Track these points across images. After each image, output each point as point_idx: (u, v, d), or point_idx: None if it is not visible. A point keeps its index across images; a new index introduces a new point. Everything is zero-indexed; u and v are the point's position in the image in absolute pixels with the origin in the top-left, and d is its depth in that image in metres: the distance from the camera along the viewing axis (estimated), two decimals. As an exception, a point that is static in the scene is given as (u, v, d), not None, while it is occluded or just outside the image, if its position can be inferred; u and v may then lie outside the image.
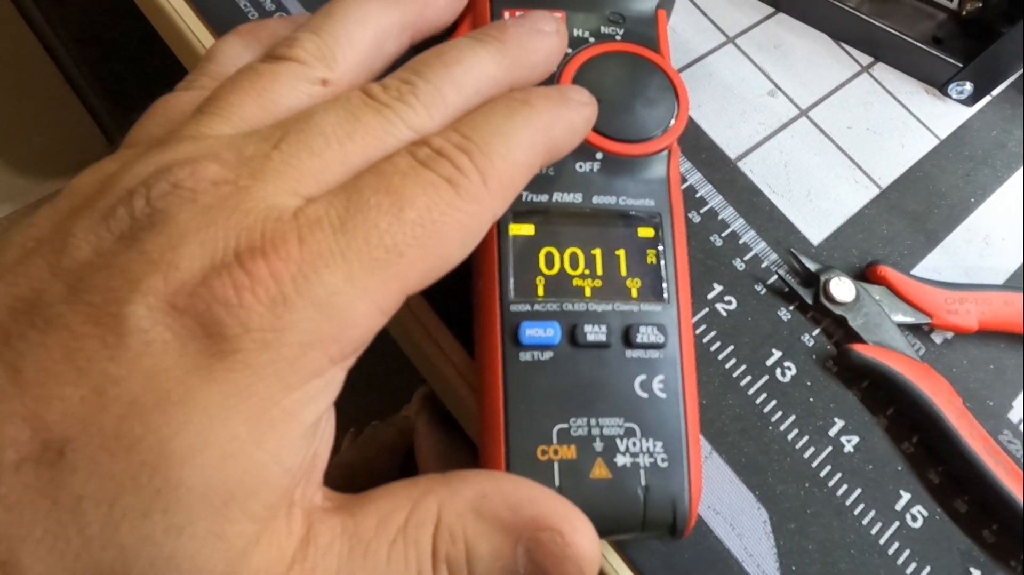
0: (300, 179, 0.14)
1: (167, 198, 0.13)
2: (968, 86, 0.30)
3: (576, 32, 0.22)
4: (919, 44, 0.30)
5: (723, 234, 0.26)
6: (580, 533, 0.15)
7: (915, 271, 0.27)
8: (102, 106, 0.70)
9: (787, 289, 0.25)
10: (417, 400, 0.86)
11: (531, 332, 0.18)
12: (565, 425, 0.18)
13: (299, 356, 0.13)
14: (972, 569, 0.22)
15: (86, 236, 0.13)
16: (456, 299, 0.23)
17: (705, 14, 0.30)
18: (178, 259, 0.12)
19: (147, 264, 0.12)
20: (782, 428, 0.23)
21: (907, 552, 0.22)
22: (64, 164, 0.80)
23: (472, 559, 0.14)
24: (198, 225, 0.13)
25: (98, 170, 0.15)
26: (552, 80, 0.21)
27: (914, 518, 0.23)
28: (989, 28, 0.29)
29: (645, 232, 0.20)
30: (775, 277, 0.25)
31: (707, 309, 0.24)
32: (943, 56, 0.30)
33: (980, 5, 0.29)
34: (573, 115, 0.17)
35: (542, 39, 0.18)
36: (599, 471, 0.17)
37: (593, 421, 0.18)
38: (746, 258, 0.25)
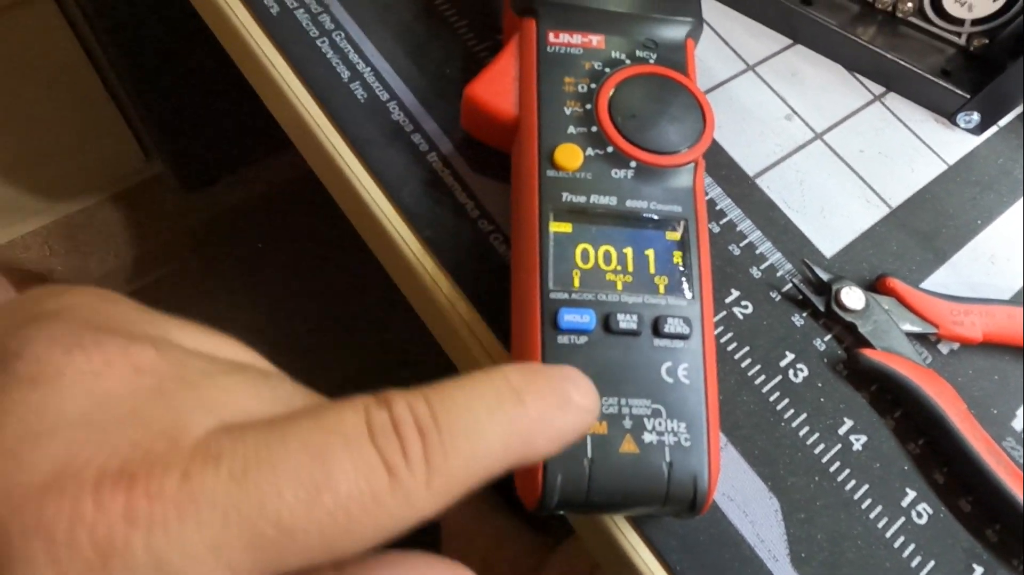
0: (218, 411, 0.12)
1: None
2: (976, 116, 0.32)
3: (614, 54, 0.24)
4: (929, 76, 0.32)
5: (741, 244, 0.28)
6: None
7: (923, 286, 0.28)
8: (141, 121, 0.73)
9: (801, 297, 0.27)
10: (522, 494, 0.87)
11: (569, 318, 0.20)
12: (597, 403, 0.19)
13: None
14: (975, 566, 0.23)
15: None
16: (493, 295, 0.24)
17: (727, 43, 0.33)
18: (29, 455, 0.10)
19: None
20: (794, 425, 0.24)
21: (912, 546, 0.23)
22: (102, 178, 0.83)
23: None
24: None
25: None
26: (590, 98, 0.23)
27: (919, 515, 0.24)
28: (995, 62, 0.31)
29: (672, 235, 0.22)
30: (789, 285, 0.27)
31: (725, 312, 0.26)
32: (952, 87, 0.32)
33: (987, 41, 0.31)
34: (567, 423, 0.14)
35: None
36: (628, 446, 0.19)
37: (623, 401, 0.19)
38: (762, 267, 0.27)
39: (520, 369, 0.14)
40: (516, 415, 0.13)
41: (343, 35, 0.28)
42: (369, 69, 0.28)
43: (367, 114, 0.27)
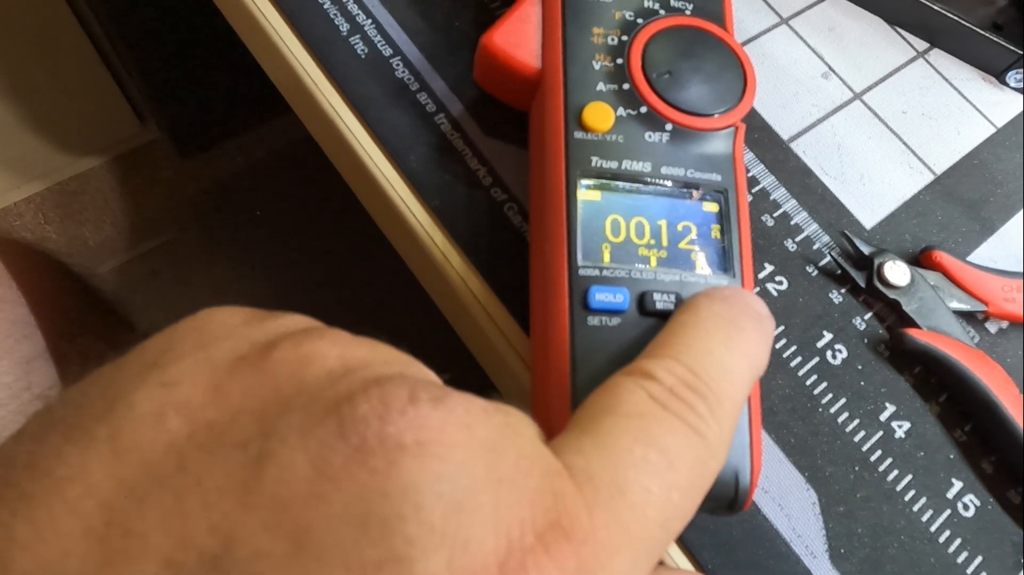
0: None
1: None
2: (1026, 75, 0.29)
3: (647, 3, 0.22)
4: (978, 30, 0.29)
5: (775, 214, 0.25)
6: None
7: (970, 259, 0.26)
8: (135, 85, 0.70)
9: (839, 271, 0.25)
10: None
11: (601, 296, 0.18)
12: (630, 393, 0.17)
13: None
14: None
15: (303, 448, 0.09)
16: (510, 272, 0.22)
17: (761, -7, 0.30)
18: (465, 533, 0.09)
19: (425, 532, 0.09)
20: (832, 411, 0.23)
21: (958, 541, 0.22)
22: (96, 144, 0.80)
23: None
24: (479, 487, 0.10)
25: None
26: (622, 51, 0.21)
27: (966, 507, 0.22)
28: (1052, 16, 0.28)
29: (710, 207, 0.20)
30: (827, 259, 0.25)
31: (758, 288, 0.24)
32: (1003, 43, 0.29)
33: (1043, -8, 0.29)
34: (769, 334, 0.16)
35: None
36: (663, 440, 0.17)
37: (658, 390, 0.17)
38: (798, 239, 0.25)
39: (716, 297, 0.16)
40: (744, 343, 0.15)
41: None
42: (370, 21, 0.25)
43: (368, 71, 0.25)
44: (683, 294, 0.18)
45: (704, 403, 0.13)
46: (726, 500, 0.18)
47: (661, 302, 0.18)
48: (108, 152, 0.81)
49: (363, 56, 0.25)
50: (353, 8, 0.25)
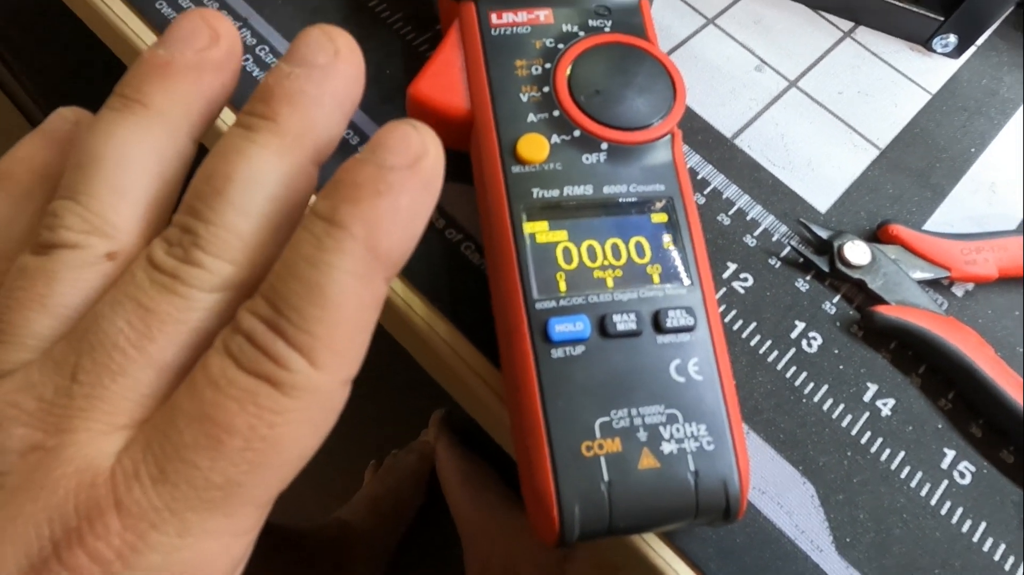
0: (112, 411, 0.12)
1: None
2: (952, 38, 0.30)
3: (565, 27, 0.22)
4: (898, 3, 0.30)
5: (730, 212, 0.26)
6: None
7: (926, 227, 0.26)
8: (26, 94, 0.69)
9: (801, 259, 0.25)
10: (434, 424, 0.85)
11: (561, 328, 0.18)
12: (607, 418, 0.17)
13: None
14: (1026, 518, 0.22)
15: None
16: (475, 311, 0.22)
17: (683, -2, 0.30)
18: None
19: None
20: (816, 399, 0.23)
21: (960, 510, 0.22)
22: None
23: None
24: (6, 518, 0.11)
25: None
26: (547, 79, 0.21)
27: (962, 475, 0.22)
28: (966, -21, 0.29)
29: (659, 217, 0.20)
30: (788, 249, 0.25)
31: (724, 288, 0.24)
32: (923, 12, 0.30)
33: (953, -42, 0.30)
34: (400, 200, 0.12)
35: (318, 81, 0.14)
36: (647, 461, 0.17)
37: (634, 411, 0.17)
38: (756, 233, 0.25)
39: (323, 194, 0.13)
40: (342, 240, 0.12)
41: (268, 49, 0.26)
42: (302, 82, 0.25)
43: (307, 132, 0.25)
44: (642, 311, 0.18)
45: (283, 340, 0.12)
46: (719, 511, 0.17)
47: (622, 323, 0.18)
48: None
49: (298, 118, 0.25)
50: (282, 72, 0.26)
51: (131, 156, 0.14)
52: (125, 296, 0.12)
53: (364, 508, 0.79)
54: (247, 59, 0.26)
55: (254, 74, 0.25)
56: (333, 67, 0.14)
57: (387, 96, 0.25)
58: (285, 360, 0.12)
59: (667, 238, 0.20)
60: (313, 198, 0.13)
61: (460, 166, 0.23)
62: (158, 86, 0.14)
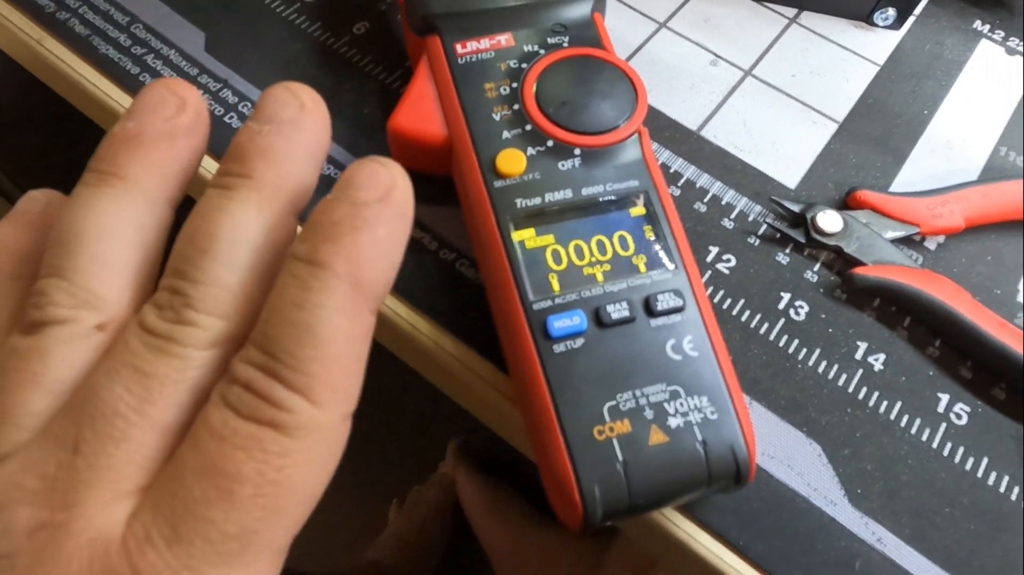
0: (118, 478, 0.12)
1: None
2: (891, 11, 0.32)
3: (526, 48, 0.23)
4: (835, -15, 0.32)
5: (705, 200, 0.27)
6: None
7: (892, 188, 0.28)
8: (2, 173, 0.69)
9: (779, 234, 0.26)
10: (451, 454, 0.86)
11: (559, 324, 0.19)
12: (614, 402, 0.18)
13: None
14: (1026, 449, 0.23)
15: None
16: (477, 323, 0.23)
17: (633, 7, 0.32)
18: None
19: None
20: (810, 364, 0.24)
21: (961, 450, 0.23)
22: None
23: None
24: None
25: None
26: (516, 97, 0.22)
27: (958, 416, 0.23)
28: (894, -45, 0.31)
29: (637, 211, 0.21)
30: (764, 226, 0.26)
31: (710, 271, 0.25)
32: (860, -9, 0.31)
33: (880, -63, 0.31)
34: (378, 232, 0.13)
35: (288, 135, 0.14)
36: (656, 437, 0.18)
37: (638, 392, 0.18)
38: (732, 216, 0.27)
39: (300, 238, 0.13)
40: (326, 279, 0.12)
41: (248, 105, 0.27)
42: (286, 131, 0.27)
43: (297, 177, 0.26)
44: (633, 299, 0.20)
45: (280, 384, 0.12)
46: (730, 475, 0.18)
47: (616, 312, 0.19)
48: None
49: (287, 165, 0.26)
50: (266, 125, 0.27)
51: (112, 228, 0.14)
52: (121, 364, 0.13)
53: (392, 546, 0.79)
54: (231, 116, 0.27)
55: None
56: (300, 120, 0.15)
57: (367, 133, 0.27)
58: (285, 403, 0.12)
59: (648, 229, 0.21)
60: None
61: (445, 190, 0.25)
62: (132, 157, 0.14)
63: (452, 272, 0.24)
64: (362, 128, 0.27)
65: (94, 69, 0.28)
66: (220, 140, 0.26)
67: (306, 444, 0.12)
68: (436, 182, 0.25)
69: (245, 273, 0.13)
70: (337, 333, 0.12)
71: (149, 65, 0.28)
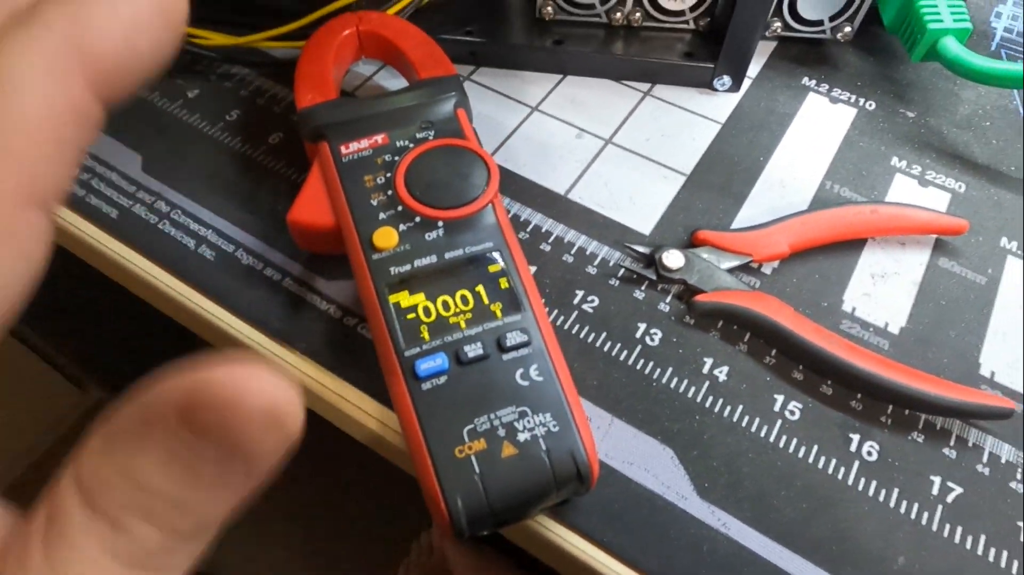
0: None
1: None
2: (726, 78, 0.37)
3: (399, 143, 0.28)
4: (678, 62, 0.37)
5: (572, 251, 0.32)
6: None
7: (734, 225, 0.33)
8: (65, 360, 0.74)
9: (634, 275, 0.31)
10: (436, 527, 0.87)
11: (425, 366, 0.23)
12: (471, 425, 0.22)
13: None
14: (851, 435, 0.27)
15: None
16: (371, 372, 0.27)
17: (509, 96, 0.38)
18: None
19: None
20: (664, 381, 0.28)
21: (794, 440, 0.27)
22: (41, 419, 0.82)
23: None
24: None
25: None
26: (389, 185, 0.27)
27: (792, 412, 0.27)
28: (720, 32, 0.37)
29: (493, 267, 0.26)
30: (622, 270, 0.31)
31: (577, 311, 0.30)
32: (698, 63, 0.37)
33: (708, 19, 0.38)
34: (117, 4, 0.10)
35: None
36: (508, 450, 0.22)
37: (492, 415, 0.22)
38: (595, 263, 0.31)
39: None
40: (39, 36, 0.10)
41: (180, 212, 0.32)
42: (210, 231, 0.31)
43: (220, 268, 0.30)
44: (488, 340, 0.24)
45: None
46: (573, 476, 0.22)
47: (472, 352, 0.23)
48: (53, 425, 0.83)
49: (212, 259, 0.31)
50: (194, 226, 0.32)
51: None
52: None
53: None
54: (164, 223, 0.32)
55: (171, 235, 0.31)
56: None
57: (280, 227, 0.31)
58: None
59: (503, 280, 0.25)
60: None
61: (343, 266, 0.29)
62: None
63: (355, 335, 0.29)
64: (276, 222, 0.32)
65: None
66: (155, 246, 0.31)
67: None
68: (335, 260, 0.29)
69: None
70: (25, 87, 0.10)
71: (93, 187, 0.33)
